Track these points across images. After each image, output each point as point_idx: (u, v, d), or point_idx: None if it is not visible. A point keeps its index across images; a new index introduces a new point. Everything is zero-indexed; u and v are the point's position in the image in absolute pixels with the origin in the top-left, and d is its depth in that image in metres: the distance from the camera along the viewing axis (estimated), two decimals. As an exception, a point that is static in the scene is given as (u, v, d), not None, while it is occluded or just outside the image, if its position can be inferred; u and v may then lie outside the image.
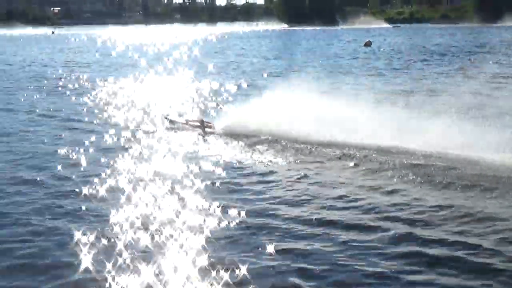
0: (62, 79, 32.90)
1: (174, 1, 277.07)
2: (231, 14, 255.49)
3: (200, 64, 39.92)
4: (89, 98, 24.71)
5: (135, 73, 33.69)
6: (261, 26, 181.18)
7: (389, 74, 31.91)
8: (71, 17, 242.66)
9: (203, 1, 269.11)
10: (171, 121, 18.20)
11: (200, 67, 38.07)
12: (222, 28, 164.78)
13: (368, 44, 59.98)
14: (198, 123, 17.38)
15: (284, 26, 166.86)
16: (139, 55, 52.88)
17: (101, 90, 27.15)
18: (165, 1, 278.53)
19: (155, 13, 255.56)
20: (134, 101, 23.17)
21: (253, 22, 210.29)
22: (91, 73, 36.10)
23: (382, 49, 54.29)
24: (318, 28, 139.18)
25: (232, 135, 16.22)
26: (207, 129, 17.01)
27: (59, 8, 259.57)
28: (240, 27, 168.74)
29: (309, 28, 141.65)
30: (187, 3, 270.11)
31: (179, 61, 43.08)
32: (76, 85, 29.86)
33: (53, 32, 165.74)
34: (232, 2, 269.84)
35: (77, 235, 8.68)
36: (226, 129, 16.77)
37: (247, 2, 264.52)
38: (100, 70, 39.49)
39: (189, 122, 17.72)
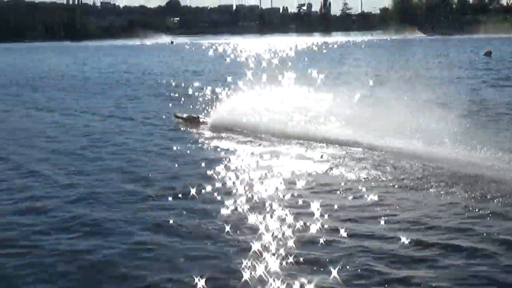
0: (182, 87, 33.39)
1: (289, 11, 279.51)
2: (346, 23, 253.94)
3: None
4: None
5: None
6: (376, 35, 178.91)
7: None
8: (189, 27, 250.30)
9: (318, 11, 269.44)
10: (177, 117, 21.62)
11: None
12: (337, 38, 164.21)
13: (488, 54, 57.75)
14: (188, 118, 21.07)
15: (401, 35, 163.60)
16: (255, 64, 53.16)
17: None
18: (281, 11, 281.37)
19: (271, 23, 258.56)
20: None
21: (368, 31, 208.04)
22: (203, 81, 36.59)
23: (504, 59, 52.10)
24: (432, 37, 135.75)
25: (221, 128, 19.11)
26: (194, 123, 20.61)
27: (178, 19, 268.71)
28: (355, 37, 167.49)
29: (425, 36, 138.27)
30: (302, 13, 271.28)
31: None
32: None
33: (172, 42, 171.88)
34: (347, 11, 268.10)
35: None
36: (214, 122, 20.05)
37: (362, 12, 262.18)
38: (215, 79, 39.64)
39: (180, 116, 21.48)
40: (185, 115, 21.48)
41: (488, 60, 52.03)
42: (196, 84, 34.15)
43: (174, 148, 16.26)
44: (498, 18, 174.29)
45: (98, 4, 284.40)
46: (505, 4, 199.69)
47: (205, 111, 22.63)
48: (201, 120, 20.90)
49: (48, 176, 13.30)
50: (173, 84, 36.23)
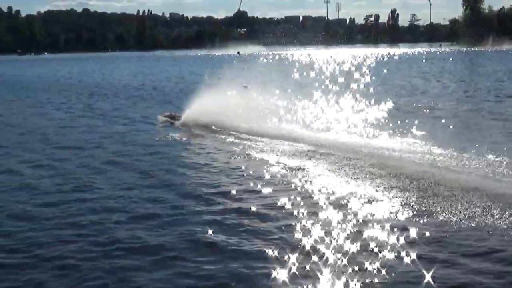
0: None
1: (356, 22, 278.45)
2: (413, 35, 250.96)
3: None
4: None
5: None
6: (444, 47, 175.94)
7: None
8: (256, 38, 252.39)
9: (386, 23, 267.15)
10: (166, 116, 25.28)
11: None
12: (404, 49, 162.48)
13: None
14: (169, 116, 25.09)
15: (472, 47, 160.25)
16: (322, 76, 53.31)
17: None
18: (347, 22, 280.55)
19: (337, 35, 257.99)
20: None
21: (436, 43, 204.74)
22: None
23: None
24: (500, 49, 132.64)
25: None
26: (176, 121, 24.23)
27: (245, 29, 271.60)
28: (422, 48, 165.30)
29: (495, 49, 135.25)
30: (369, 24, 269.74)
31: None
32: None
33: (238, 53, 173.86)
34: (415, 23, 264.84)
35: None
36: (186, 118, 23.90)
37: (431, 23, 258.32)
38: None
39: (165, 115, 25.38)
40: (166, 113, 25.79)
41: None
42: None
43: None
44: None
45: (167, 15, 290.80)
46: None
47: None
48: (178, 117, 24.68)
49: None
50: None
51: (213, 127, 22.15)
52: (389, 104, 26.31)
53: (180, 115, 24.87)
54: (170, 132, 21.85)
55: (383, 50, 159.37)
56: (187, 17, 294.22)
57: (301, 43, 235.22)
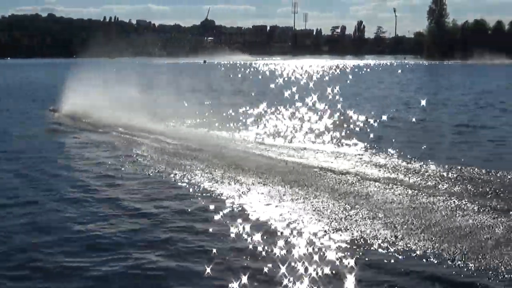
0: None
1: (323, 34, 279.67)
2: (379, 47, 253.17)
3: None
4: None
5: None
6: (409, 60, 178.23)
7: None
8: (222, 47, 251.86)
9: (352, 34, 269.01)
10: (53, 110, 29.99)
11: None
12: (369, 61, 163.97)
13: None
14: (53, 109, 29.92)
15: (435, 60, 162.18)
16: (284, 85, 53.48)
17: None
18: (314, 33, 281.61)
19: (304, 45, 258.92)
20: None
21: (401, 55, 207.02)
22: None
23: None
24: (463, 62, 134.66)
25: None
26: (56, 113, 28.94)
27: (212, 38, 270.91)
28: (387, 60, 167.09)
29: (458, 62, 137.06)
30: (336, 35, 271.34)
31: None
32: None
33: (204, 61, 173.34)
34: (381, 35, 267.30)
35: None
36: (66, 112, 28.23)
37: (396, 36, 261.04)
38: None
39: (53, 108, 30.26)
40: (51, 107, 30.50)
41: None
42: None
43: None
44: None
45: (134, 22, 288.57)
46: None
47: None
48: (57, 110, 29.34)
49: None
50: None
51: (87, 121, 25.36)
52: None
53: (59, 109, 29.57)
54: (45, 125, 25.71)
55: (349, 61, 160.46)
56: (154, 24, 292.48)
57: (268, 53, 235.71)
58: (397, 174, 13.52)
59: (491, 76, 75.76)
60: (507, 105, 33.36)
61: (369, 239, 9.16)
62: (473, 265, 8.16)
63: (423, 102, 34.04)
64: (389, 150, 16.98)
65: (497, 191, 11.79)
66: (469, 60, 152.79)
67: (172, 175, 14.17)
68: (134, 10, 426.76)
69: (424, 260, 8.41)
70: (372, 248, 8.84)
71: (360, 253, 8.62)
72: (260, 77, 72.66)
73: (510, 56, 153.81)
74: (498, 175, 13.08)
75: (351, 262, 8.26)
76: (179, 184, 13.33)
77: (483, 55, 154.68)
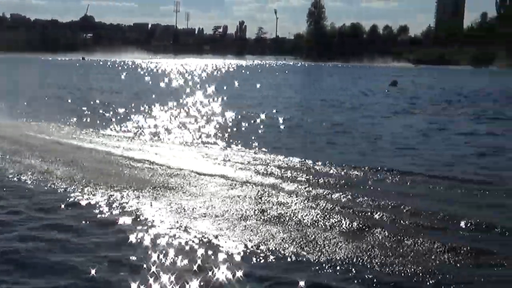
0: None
1: (205, 33, 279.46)
2: (261, 47, 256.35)
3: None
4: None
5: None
6: (289, 61, 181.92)
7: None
8: (102, 44, 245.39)
9: (234, 34, 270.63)
10: None
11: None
12: (250, 61, 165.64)
13: (394, 84, 58.97)
14: None
15: (314, 61, 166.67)
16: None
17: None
18: (196, 33, 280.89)
19: (186, 44, 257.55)
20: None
21: (282, 56, 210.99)
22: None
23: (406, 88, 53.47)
24: (341, 64, 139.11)
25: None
26: None
27: (91, 35, 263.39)
28: (268, 61, 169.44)
29: (336, 64, 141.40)
30: (218, 35, 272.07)
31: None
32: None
33: (83, 58, 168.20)
34: (262, 35, 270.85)
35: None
36: None
37: (277, 37, 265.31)
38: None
39: None
40: None
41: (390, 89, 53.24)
42: None
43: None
44: (406, 49, 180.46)
45: (8, 16, 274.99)
46: (412, 35, 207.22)
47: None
48: None
49: None
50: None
51: None
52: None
53: None
54: None
55: (229, 61, 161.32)
56: (29, 18, 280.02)
57: (149, 51, 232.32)
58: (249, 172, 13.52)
59: (369, 78, 78.44)
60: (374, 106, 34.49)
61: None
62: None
63: (301, 102, 34.37)
64: (250, 147, 17.23)
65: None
66: (350, 62, 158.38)
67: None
68: (8, 4, 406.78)
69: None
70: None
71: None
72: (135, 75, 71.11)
73: (385, 58, 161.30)
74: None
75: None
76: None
77: (361, 57, 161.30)
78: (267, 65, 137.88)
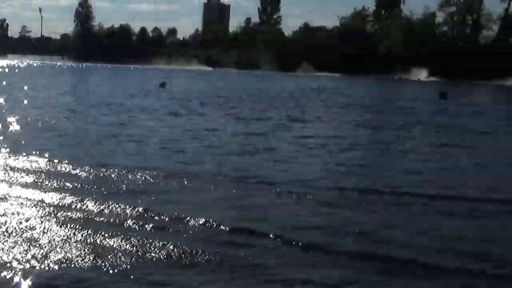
0: None
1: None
2: (24, 47, 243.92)
3: None
4: None
5: None
6: (55, 61, 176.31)
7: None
8: None
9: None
10: None
11: None
12: (14, 61, 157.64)
13: (162, 85, 59.91)
14: None
15: (79, 62, 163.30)
16: None
17: None
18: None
19: None
20: None
21: (48, 56, 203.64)
22: None
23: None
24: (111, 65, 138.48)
25: None
26: None
27: None
28: (32, 61, 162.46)
29: (105, 65, 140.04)
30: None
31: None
32: None
33: None
34: (26, 34, 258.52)
35: None
36: None
37: (42, 36, 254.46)
38: None
39: None
40: None
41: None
42: None
43: None
44: (174, 51, 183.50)
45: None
46: (181, 38, 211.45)
47: None
48: None
49: None
50: None
51: None
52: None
53: None
54: None
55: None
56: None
57: None
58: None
59: (138, 80, 78.75)
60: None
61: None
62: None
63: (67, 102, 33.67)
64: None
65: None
66: (120, 63, 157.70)
67: None
68: None
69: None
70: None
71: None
72: None
73: (157, 59, 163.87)
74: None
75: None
76: None
77: (131, 58, 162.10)
78: (33, 65, 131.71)
